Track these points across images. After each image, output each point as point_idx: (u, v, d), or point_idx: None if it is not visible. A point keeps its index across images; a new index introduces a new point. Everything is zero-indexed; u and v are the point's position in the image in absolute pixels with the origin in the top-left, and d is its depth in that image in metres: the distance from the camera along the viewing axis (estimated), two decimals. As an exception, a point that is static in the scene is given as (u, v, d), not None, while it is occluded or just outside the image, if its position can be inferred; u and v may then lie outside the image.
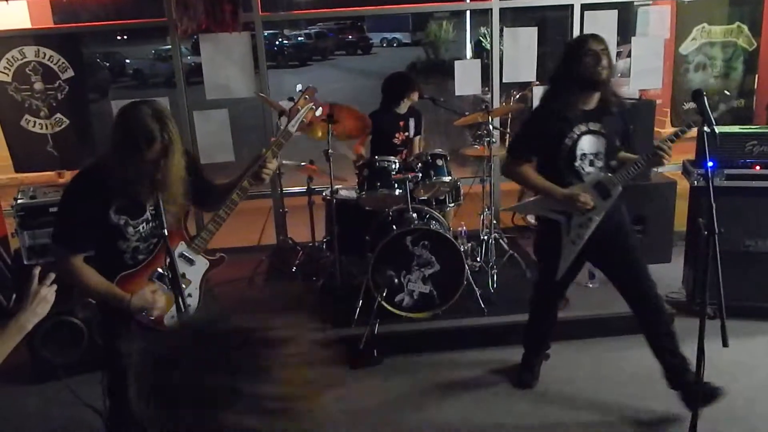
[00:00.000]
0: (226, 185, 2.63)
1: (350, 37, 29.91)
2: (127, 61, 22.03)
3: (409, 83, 4.77)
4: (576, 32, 5.30)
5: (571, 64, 2.92)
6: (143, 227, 2.34)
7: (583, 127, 2.98)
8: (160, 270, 2.38)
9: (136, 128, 2.12)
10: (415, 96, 4.74)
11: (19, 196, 3.80)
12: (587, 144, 3.01)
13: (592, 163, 3.04)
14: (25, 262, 3.72)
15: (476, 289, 4.10)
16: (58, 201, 2.36)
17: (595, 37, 2.95)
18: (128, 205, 2.28)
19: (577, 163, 3.02)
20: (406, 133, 4.77)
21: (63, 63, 5.09)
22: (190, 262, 2.49)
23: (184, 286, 2.38)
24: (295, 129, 2.65)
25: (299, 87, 2.77)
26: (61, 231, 2.34)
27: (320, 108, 2.77)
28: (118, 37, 22.67)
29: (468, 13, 20.73)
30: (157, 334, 2.39)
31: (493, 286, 4.32)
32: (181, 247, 2.47)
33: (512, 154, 3.22)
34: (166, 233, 2.19)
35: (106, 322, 2.51)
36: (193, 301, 2.47)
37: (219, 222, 2.49)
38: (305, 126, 4.15)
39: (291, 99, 2.72)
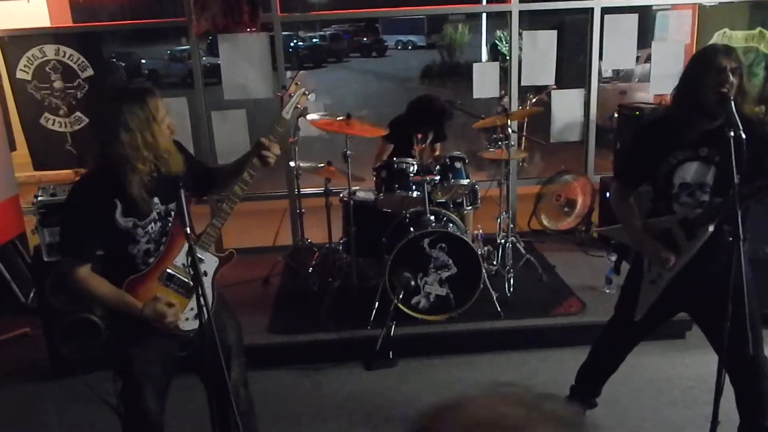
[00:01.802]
0: (227, 168, 2.62)
1: (365, 39, 29.91)
2: (143, 61, 22.15)
3: (440, 117, 4.67)
4: (596, 36, 5.29)
5: (692, 81, 2.49)
6: (152, 227, 2.31)
7: (688, 153, 2.53)
8: (169, 270, 2.35)
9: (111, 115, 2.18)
10: (430, 136, 4.68)
11: (39, 194, 3.82)
12: (690, 172, 2.54)
13: (692, 195, 2.56)
14: (45, 259, 3.75)
15: (493, 292, 4.08)
16: (62, 211, 2.34)
17: (726, 51, 2.46)
18: (134, 206, 2.24)
19: (673, 192, 2.58)
20: (423, 145, 4.76)
21: (83, 62, 5.13)
22: (200, 260, 2.40)
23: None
24: (290, 115, 2.62)
25: (289, 74, 2.75)
26: (67, 241, 2.31)
27: (312, 93, 2.75)
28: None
29: (484, 16, 20.75)
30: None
31: (509, 290, 4.31)
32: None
33: (617, 179, 2.84)
34: (189, 231, 2.17)
35: (119, 328, 2.47)
36: (206, 300, 2.45)
37: (224, 216, 2.45)
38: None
39: (283, 87, 2.70)
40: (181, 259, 2.36)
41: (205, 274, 2.41)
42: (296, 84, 2.66)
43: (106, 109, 2.25)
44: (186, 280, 2.37)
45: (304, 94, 2.66)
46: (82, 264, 2.25)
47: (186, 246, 2.35)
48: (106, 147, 2.22)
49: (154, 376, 2.40)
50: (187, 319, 2.38)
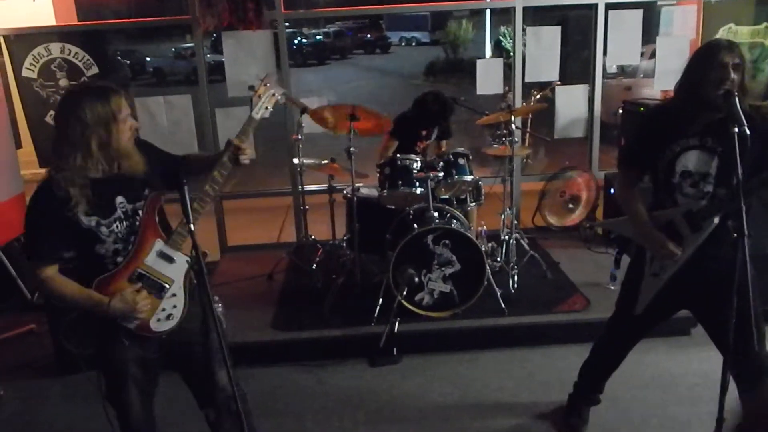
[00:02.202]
0: (203, 157, 2.59)
1: (369, 36, 29.93)
2: (147, 59, 22.21)
3: (445, 113, 4.67)
4: (600, 32, 5.27)
5: (694, 76, 2.49)
6: (117, 226, 2.27)
7: (691, 141, 2.53)
8: (140, 270, 2.31)
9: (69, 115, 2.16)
10: (435, 133, 4.71)
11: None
12: (693, 161, 2.53)
13: (695, 185, 2.55)
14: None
15: (497, 289, 4.08)
16: (26, 214, 2.25)
17: (729, 47, 2.44)
18: (95, 205, 2.21)
19: (675, 180, 2.57)
20: (427, 142, 4.77)
21: (88, 60, 5.14)
22: (170, 260, 2.35)
23: (166, 285, 2.33)
24: (259, 116, 2.59)
25: (259, 75, 2.73)
26: (29, 244, 2.26)
27: (282, 93, 2.73)
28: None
29: (488, 12, 20.73)
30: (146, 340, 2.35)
31: (513, 286, 4.30)
32: (158, 245, 2.34)
33: (621, 167, 2.83)
34: (192, 227, 2.16)
35: (93, 330, 2.40)
36: (178, 302, 2.37)
37: (195, 216, 2.31)
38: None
39: (251, 87, 2.69)
40: (152, 258, 2.33)
41: (163, 275, 2.35)
42: (265, 85, 2.62)
43: (66, 102, 2.21)
44: (157, 280, 2.33)
45: (273, 95, 2.61)
46: (46, 265, 2.22)
47: (155, 243, 2.33)
48: (58, 142, 2.19)
49: (133, 374, 2.36)
50: (159, 320, 2.33)
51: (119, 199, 2.28)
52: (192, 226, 2.11)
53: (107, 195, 2.25)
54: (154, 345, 2.39)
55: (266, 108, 2.60)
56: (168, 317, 2.35)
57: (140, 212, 2.33)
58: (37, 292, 3.72)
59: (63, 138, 2.17)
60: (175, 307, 2.34)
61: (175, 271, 2.37)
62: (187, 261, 2.39)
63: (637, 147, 2.77)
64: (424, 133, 4.71)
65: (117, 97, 2.20)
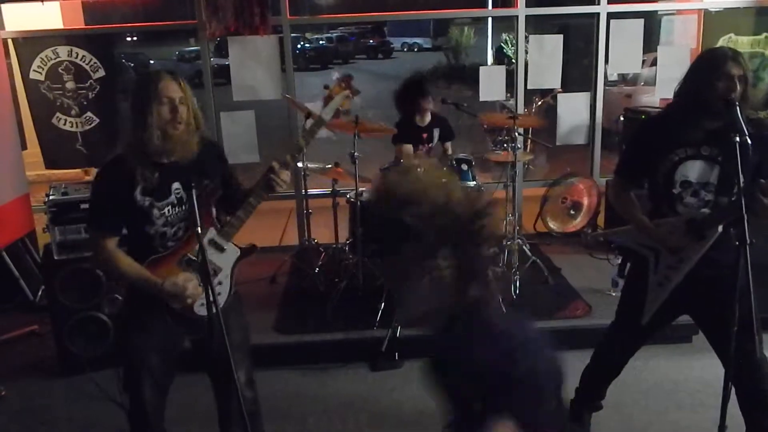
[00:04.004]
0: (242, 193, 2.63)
1: (371, 41, 29.99)
2: (151, 62, 22.26)
3: (416, 93, 4.68)
4: (602, 40, 5.31)
5: (699, 83, 2.48)
6: (168, 210, 2.34)
7: (691, 150, 2.52)
8: (190, 255, 2.38)
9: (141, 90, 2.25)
10: (427, 104, 4.70)
11: (51, 193, 3.86)
12: (693, 170, 2.53)
13: (696, 194, 2.55)
14: (56, 258, 3.79)
15: (498, 294, 4.09)
16: (90, 190, 2.42)
17: (734, 58, 2.44)
18: (152, 187, 2.29)
19: (675, 191, 2.57)
20: (430, 145, 4.79)
21: (95, 63, 5.18)
22: (221, 249, 2.45)
23: (214, 272, 2.39)
24: (329, 117, 2.61)
25: (335, 75, 2.73)
26: (92, 216, 2.38)
27: (358, 94, 2.73)
28: (128, 38, 22.79)
29: (490, 19, 20.80)
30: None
31: (515, 291, 4.33)
32: (211, 233, 2.43)
33: (617, 174, 2.82)
34: (198, 222, 2.19)
35: (129, 314, 2.51)
36: (223, 289, 2.45)
37: (249, 210, 2.47)
38: (336, 119, 4.22)
39: (326, 87, 2.68)
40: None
41: (213, 262, 2.41)
42: (341, 85, 2.63)
43: (132, 84, 2.34)
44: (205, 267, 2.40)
45: (347, 97, 2.62)
46: (108, 237, 2.31)
47: (209, 232, 2.42)
48: (134, 122, 2.28)
49: (153, 365, 2.41)
50: (202, 304, 2.37)
51: (175, 185, 2.35)
52: (199, 229, 2.16)
53: (164, 178, 2.32)
54: (191, 328, 2.43)
55: (338, 108, 2.62)
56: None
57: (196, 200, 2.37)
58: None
59: (129, 117, 2.28)
60: (219, 294, 2.37)
61: (224, 260, 2.46)
62: (237, 252, 2.49)
63: (636, 155, 2.76)
64: (424, 136, 4.74)
65: (162, 79, 2.25)
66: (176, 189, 2.36)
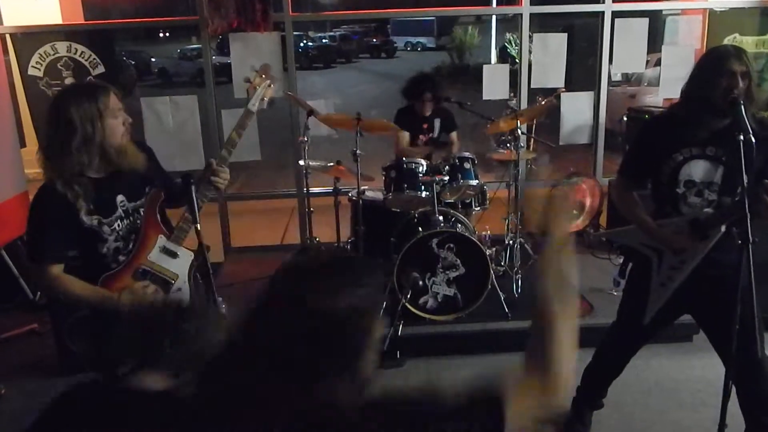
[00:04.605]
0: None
1: (374, 40, 29.98)
2: (152, 59, 22.27)
3: (424, 83, 4.73)
4: (606, 40, 5.28)
5: (702, 81, 2.49)
6: (118, 225, 2.28)
7: (695, 150, 2.52)
8: (144, 267, 2.32)
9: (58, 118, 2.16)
10: (429, 98, 4.70)
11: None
12: (698, 170, 2.53)
13: (700, 194, 2.55)
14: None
15: (500, 293, 4.08)
16: (28, 216, 2.25)
17: (737, 55, 2.45)
18: (96, 204, 2.22)
19: (679, 191, 2.57)
20: (431, 134, 4.79)
21: (94, 59, 5.15)
22: (173, 255, 2.38)
23: (171, 281, 2.35)
24: (256, 107, 2.61)
25: (256, 67, 2.73)
26: (34, 247, 2.27)
27: (277, 84, 2.74)
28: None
29: (494, 18, 20.78)
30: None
31: (517, 291, 4.31)
32: (161, 240, 2.37)
33: (621, 174, 2.82)
34: (199, 227, 2.17)
35: (99, 325, 2.39)
36: (183, 296, 2.39)
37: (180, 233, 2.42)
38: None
39: (247, 80, 2.69)
40: (155, 255, 2.35)
41: (168, 270, 2.37)
42: (261, 76, 2.63)
43: (54, 104, 2.21)
44: (162, 275, 2.35)
45: (269, 86, 2.63)
46: (51, 264, 2.22)
47: (158, 239, 2.35)
48: (50, 144, 2.19)
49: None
50: None
51: (120, 198, 2.29)
52: (198, 225, 2.13)
53: (107, 194, 2.26)
54: None
55: (263, 99, 2.61)
56: None
57: (141, 210, 2.34)
58: (40, 292, 3.70)
59: (54, 139, 2.16)
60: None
61: (179, 266, 2.39)
62: (190, 255, 2.41)
63: (640, 155, 2.75)
64: (425, 126, 4.73)
65: (104, 94, 2.19)
66: (121, 201, 2.29)
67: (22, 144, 5.26)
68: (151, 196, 2.36)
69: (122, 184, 2.29)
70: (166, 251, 2.37)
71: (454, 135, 4.92)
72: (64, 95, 2.21)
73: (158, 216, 2.38)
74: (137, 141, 2.37)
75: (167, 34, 24.40)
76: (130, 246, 2.32)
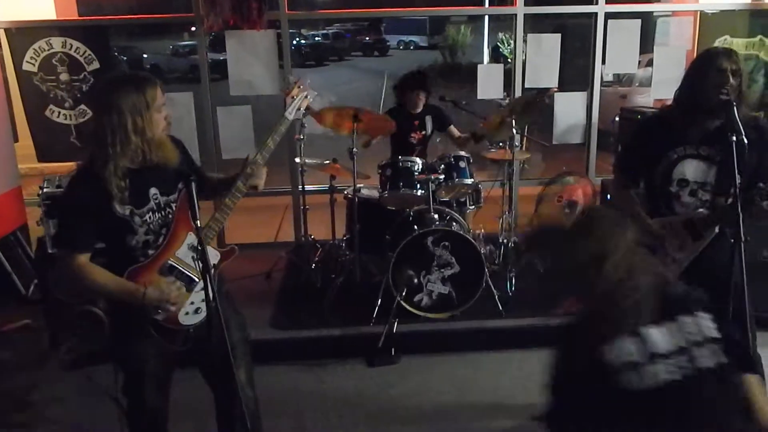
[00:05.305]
0: (219, 179, 2.63)
1: (367, 38, 29.96)
2: (145, 55, 22.14)
3: (416, 80, 4.77)
4: (599, 40, 5.32)
5: (694, 81, 2.54)
6: (150, 217, 2.27)
7: (689, 150, 2.56)
8: (171, 262, 2.31)
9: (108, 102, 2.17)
10: (422, 95, 4.74)
11: (45, 185, 3.84)
12: (691, 170, 2.57)
13: (693, 194, 2.58)
14: (50, 251, 3.77)
15: (495, 291, 4.11)
16: (60, 202, 2.29)
17: (726, 54, 2.51)
18: (130, 194, 2.21)
19: (672, 189, 2.61)
20: (423, 132, 4.81)
21: (89, 55, 5.14)
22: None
23: (196, 279, 2.34)
24: (293, 116, 2.66)
25: (291, 78, 2.79)
26: (62, 232, 2.28)
27: (315, 95, 2.80)
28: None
29: (486, 18, 20.81)
30: None
31: (511, 288, 4.34)
32: (190, 238, 2.35)
33: (616, 172, 2.88)
34: (198, 224, 2.16)
35: (118, 323, 2.43)
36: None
37: (226, 211, 2.43)
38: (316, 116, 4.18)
39: (284, 89, 2.76)
40: (183, 251, 2.34)
41: (195, 268, 2.36)
42: (299, 87, 2.68)
43: (104, 90, 2.23)
44: (188, 272, 2.34)
45: (306, 97, 2.69)
46: (79, 253, 2.20)
47: (188, 237, 2.35)
48: (95, 130, 2.20)
49: (153, 370, 2.37)
50: (187, 313, 2.33)
51: (153, 190, 2.29)
52: (198, 222, 2.13)
53: (141, 185, 2.25)
54: (179, 339, 2.37)
55: (299, 109, 2.67)
56: (196, 311, 2.36)
57: (173, 205, 2.33)
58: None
59: (100, 126, 2.17)
60: (203, 301, 2.27)
61: None
62: (217, 256, 2.44)
63: (634, 153, 2.79)
64: (416, 123, 4.75)
65: (152, 87, 2.21)
66: (154, 194, 2.29)
67: (15, 139, 5.24)
68: (184, 192, 2.33)
69: (156, 177, 2.29)
70: (194, 249, 2.33)
71: (453, 128, 4.94)
72: (114, 84, 2.21)
73: (189, 213, 2.35)
74: (176, 139, 2.39)
75: (159, 30, 24.22)
76: (160, 240, 2.30)
